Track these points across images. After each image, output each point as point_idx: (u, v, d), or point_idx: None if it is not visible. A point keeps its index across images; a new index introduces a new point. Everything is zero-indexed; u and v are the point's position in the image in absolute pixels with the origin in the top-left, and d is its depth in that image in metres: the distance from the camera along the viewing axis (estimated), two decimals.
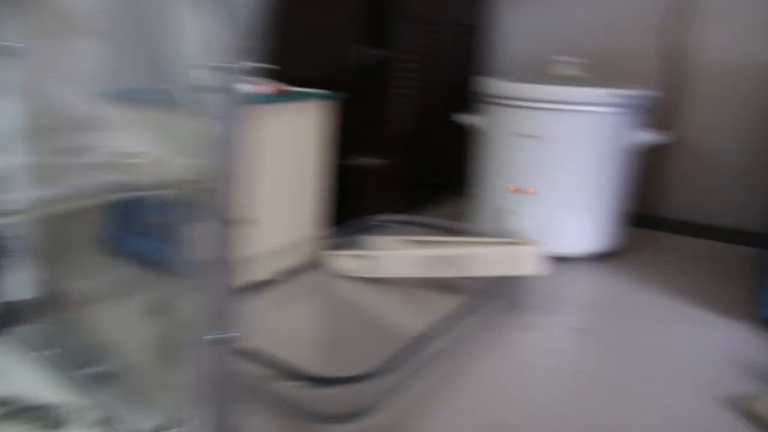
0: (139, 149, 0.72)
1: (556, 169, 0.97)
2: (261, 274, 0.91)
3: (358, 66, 1.10)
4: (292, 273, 0.95)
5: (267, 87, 0.90)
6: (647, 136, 0.99)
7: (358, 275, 0.94)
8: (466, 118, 1.13)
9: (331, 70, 1.12)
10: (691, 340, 0.76)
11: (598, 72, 1.13)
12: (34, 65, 0.73)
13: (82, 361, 0.67)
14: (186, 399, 0.48)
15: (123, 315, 0.82)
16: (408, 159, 1.25)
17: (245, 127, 0.43)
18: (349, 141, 1.13)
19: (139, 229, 1.03)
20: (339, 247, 1.01)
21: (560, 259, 1.02)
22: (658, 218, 1.37)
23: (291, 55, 1.14)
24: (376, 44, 1.11)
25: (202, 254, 0.44)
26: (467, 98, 1.12)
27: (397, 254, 0.91)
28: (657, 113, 1.31)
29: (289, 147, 0.95)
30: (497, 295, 0.80)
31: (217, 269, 0.46)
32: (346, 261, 0.96)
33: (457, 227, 1.08)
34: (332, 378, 0.58)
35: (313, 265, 0.99)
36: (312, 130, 0.98)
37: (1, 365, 0.69)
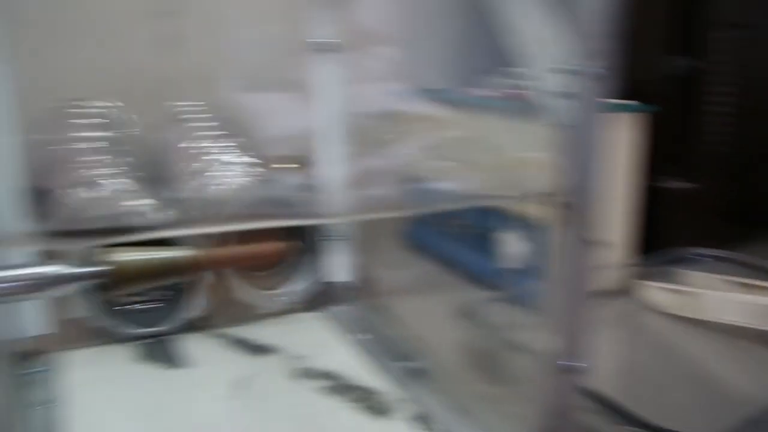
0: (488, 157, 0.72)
1: None
2: None
3: (665, 76, 1.00)
4: (598, 297, 0.90)
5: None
6: None
7: (674, 312, 0.85)
8: None
9: (636, 80, 1.03)
10: None
11: None
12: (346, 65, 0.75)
13: (395, 352, 0.69)
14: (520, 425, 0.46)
15: (430, 313, 0.84)
16: (721, 186, 1.12)
17: (602, 137, 0.39)
18: (656, 160, 1.04)
19: (440, 228, 1.05)
20: (650, 277, 0.93)
21: None
22: None
23: None
24: (683, 53, 1.00)
25: (556, 274, 0.42)
26: None
27: (724, 296, 0.81)
28: None
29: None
30: None
31: (570, 291, 0.43)
32: (660, 294, 0.88)
33: None
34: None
35: (620, 293, 0.92)
36: (621, 145, 0.90)
37: (321, 339, 0.74)
